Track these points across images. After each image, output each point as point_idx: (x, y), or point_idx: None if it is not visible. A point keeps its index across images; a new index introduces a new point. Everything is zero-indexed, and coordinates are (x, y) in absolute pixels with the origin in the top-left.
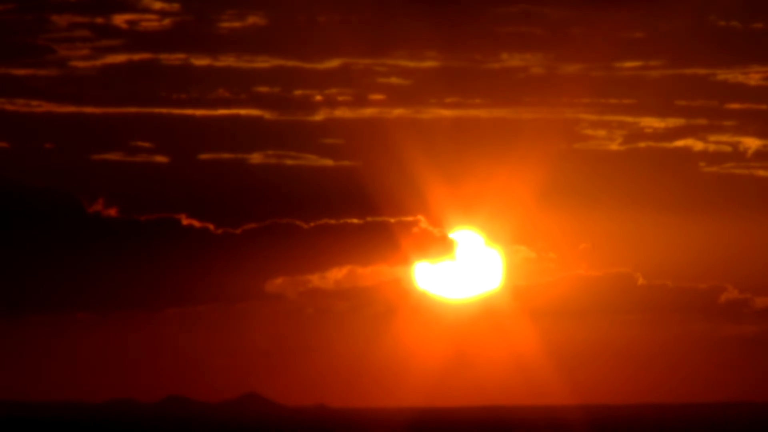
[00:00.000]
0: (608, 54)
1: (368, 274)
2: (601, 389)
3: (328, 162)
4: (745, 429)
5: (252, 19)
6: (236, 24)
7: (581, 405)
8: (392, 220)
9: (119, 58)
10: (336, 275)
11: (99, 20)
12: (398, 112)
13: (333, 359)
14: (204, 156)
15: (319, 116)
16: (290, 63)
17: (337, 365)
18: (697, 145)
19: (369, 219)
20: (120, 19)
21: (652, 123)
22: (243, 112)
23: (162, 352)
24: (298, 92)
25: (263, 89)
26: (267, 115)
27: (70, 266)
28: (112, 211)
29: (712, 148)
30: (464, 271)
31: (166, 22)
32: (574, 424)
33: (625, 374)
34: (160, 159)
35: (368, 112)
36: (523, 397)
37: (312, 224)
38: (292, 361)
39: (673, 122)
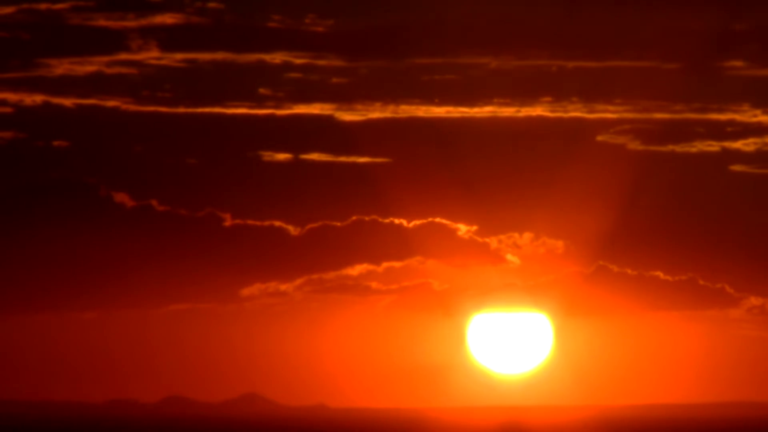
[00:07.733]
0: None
1: (386, 273)
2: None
3: (388, 161)
4: None
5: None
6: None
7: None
8: (441, 221)
9: (215, 56)
10: (353, 274)
11: (196, 19)
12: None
13: (333, 359)
14: (265, 155)
15: (384, 114)
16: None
17: (337, 365)
18: (751, 146)
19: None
20: (219, 20)
21: (728, 120)
22: (306, 110)
23: (162, 352)
24: (363, 91)
25: (334, 89)
26: (333, 114)
27: (75, 266)
28: (161, 207)
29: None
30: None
31: (269, 24)
32: (594, 424)
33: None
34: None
35: (438, 111)
36: (534, 398)
37: (346, 222)
38: (292, 361)
39: (740, 122)
